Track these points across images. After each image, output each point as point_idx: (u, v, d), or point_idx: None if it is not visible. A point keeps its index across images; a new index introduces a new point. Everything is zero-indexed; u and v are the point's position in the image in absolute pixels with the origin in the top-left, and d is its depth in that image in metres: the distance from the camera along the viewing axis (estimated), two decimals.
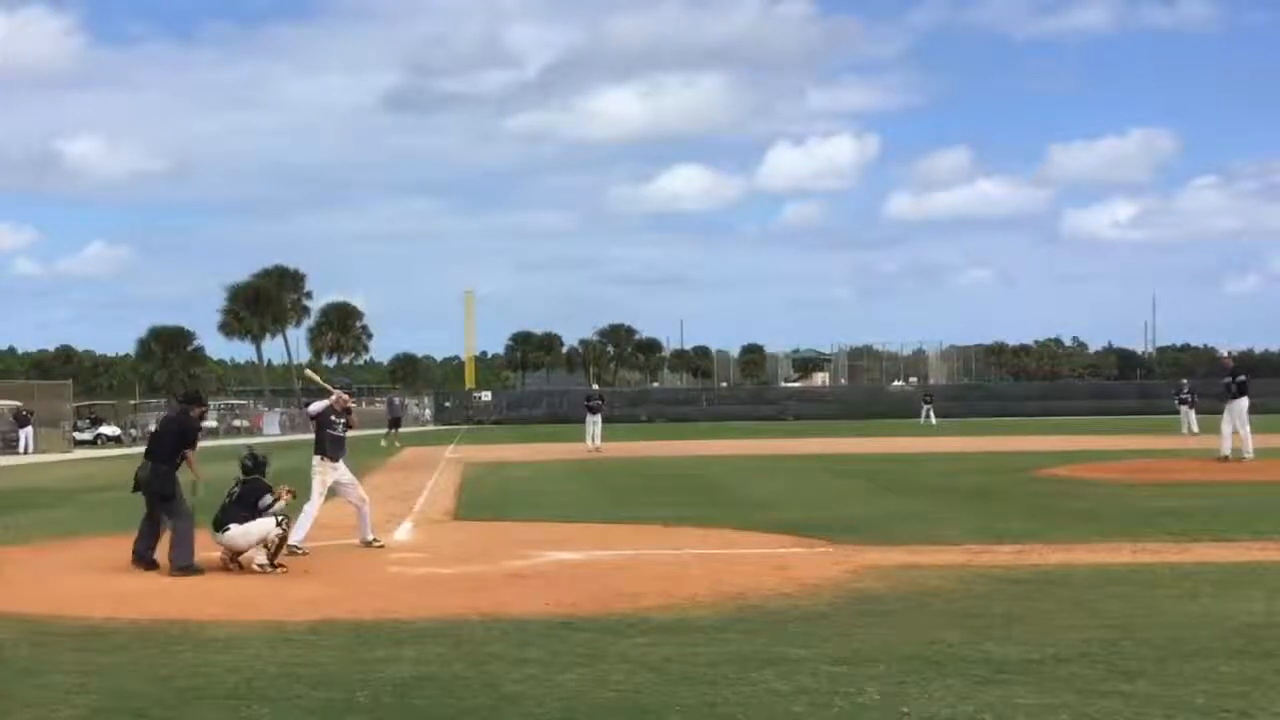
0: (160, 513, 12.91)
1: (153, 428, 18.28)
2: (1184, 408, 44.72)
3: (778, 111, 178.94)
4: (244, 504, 12.72)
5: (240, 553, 12.50)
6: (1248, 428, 25.47)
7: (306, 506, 14.01)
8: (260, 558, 12.39)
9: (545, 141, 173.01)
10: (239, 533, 12.52)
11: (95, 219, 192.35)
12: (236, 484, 13.00)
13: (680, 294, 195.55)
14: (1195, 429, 42.00)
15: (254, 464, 13.13)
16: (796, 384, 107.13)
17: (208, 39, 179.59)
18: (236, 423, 71.13)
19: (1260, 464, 24.53)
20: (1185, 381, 48.74)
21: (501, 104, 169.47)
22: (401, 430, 49.38)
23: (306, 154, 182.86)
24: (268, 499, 12.74)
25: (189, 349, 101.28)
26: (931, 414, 63.31)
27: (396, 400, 59.02)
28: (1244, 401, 25.38)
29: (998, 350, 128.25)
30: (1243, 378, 26.01)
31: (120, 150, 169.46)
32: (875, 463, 30.57)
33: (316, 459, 14.50)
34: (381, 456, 37.04)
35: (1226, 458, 25.32)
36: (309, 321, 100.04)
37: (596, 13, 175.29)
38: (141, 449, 14.26)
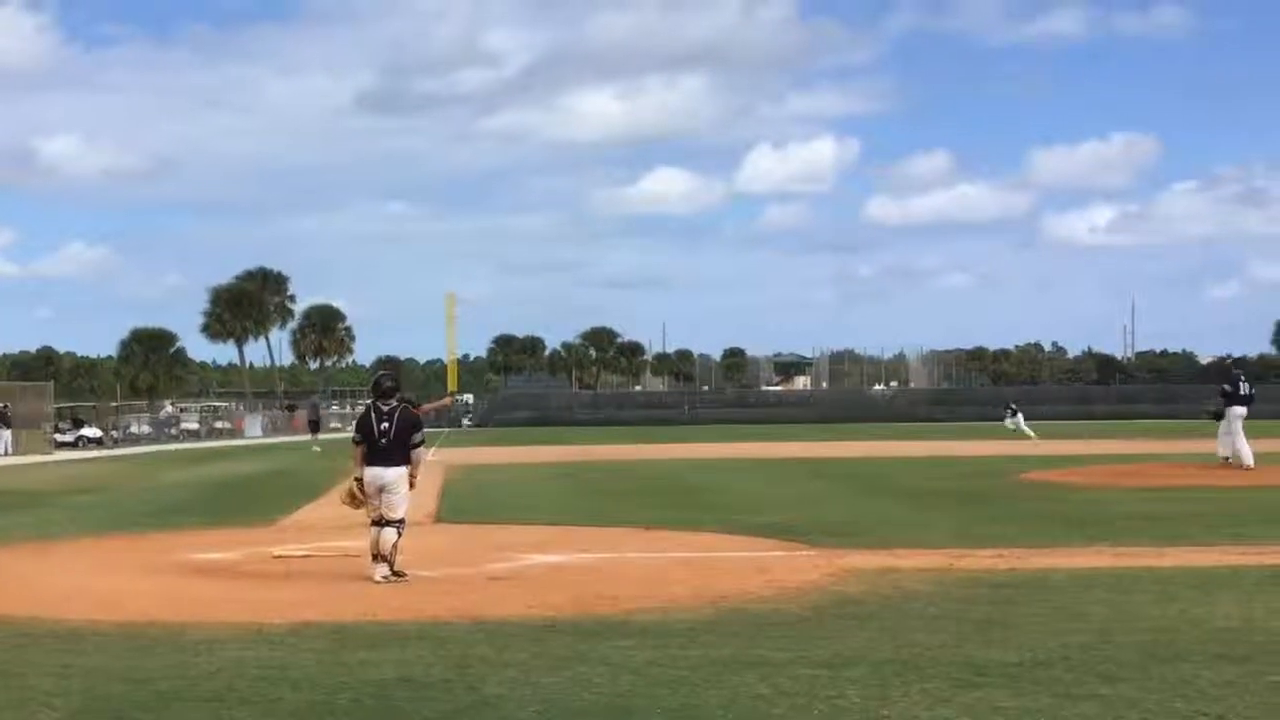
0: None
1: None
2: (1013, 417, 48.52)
3: (758, 114, 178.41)
4: (401, 440, 11.51)
5: (387, 520, 11.52)
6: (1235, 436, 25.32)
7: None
8: (383, 569, 11.53)
9: (525, 143, 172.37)
10: (403, 496, 11.68)
11: (73, 219, 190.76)
12: (379, 414, 11.67)
13: (662, 297, 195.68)
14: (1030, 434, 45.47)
15: (394, 383, 11.99)
16: (778, 387, 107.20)
17: (185, 41, 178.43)
18: (218, 424, 70.87)
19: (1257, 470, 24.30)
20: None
21: (480, 104, 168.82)
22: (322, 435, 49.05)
23: (286, 156, 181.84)
24: (419, 437, 11.77)
25: (171, 351, 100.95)
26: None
27: (317, 402, 58.17)
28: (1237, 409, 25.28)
29: (978, 355, 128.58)
30: (1226, 386, 25.98)
31: (98, 151, 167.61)
32: (856, 466, 30.63)
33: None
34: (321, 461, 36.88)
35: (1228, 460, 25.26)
36: (292, 324, 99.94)
37: (575, 13, 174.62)
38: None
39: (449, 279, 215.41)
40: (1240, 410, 25.26)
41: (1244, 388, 25.70)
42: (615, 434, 58.76)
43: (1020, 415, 49.89)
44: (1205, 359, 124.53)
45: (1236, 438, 25.09)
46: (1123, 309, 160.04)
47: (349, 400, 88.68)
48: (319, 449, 44.26)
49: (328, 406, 73.98)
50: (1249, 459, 24.77)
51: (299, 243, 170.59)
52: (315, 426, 48.11)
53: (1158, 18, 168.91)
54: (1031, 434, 46.47)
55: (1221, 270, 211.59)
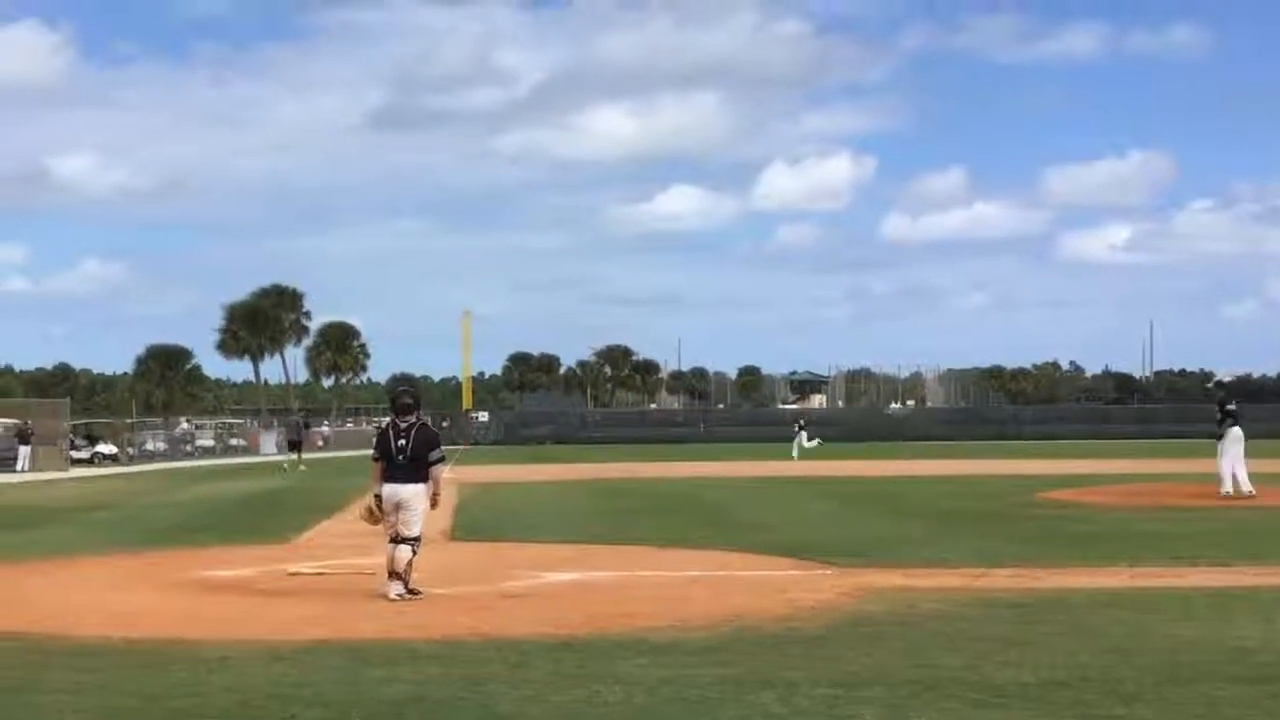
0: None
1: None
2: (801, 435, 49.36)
3: (772, 131, 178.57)
4: (418, 457, 11.49)
5: (403, 537, 11.52)
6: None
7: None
8: (398, 587, 11.52)
9: (537, 160, 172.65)
10: (419, 514, 11.62)
11: (88, 237, 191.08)
12: (397, 430, 11.67)
13: (677, 314, 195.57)
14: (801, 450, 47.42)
15: (413, 400, 11.98)
16: (794, 405, 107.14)
17: (198, 59, 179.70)
18: (234, 441, 70.99)
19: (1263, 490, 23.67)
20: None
21: (493, 122, 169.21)
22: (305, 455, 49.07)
23: (299, 173, 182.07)
24: (437, 454, 11.75)
25: (186, 368, 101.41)
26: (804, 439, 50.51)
27: (296, 420, 57.82)
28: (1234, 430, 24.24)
29: (995, 374, 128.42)
30: (1230, 406, 24.74)
31: (112, 168, 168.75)
32: (873, 485, 30.55)
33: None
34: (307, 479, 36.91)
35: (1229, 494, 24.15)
36: (307, 341, 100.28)
37: (588, 30, 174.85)
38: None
39: (463, 296, 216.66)
40: (1235, 432, 23.71)
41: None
42: (630, 452, 58.70)
43: (804, 434, 49.21)
44: (1224, 378, 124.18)
45: (1233, 461, 23.88)
46: (1141, 328, 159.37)
47: (364, 418, 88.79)
48: (293, 468, 43.98)
49: (317, 425, 73.94)
50: (1244, 485, 23.60)
51: (313, 260, 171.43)
52: (295, 446, 48.04)
53: (1172, 36, 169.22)
54: (794, 456, 46.08)
55: (1239, 289, 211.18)
